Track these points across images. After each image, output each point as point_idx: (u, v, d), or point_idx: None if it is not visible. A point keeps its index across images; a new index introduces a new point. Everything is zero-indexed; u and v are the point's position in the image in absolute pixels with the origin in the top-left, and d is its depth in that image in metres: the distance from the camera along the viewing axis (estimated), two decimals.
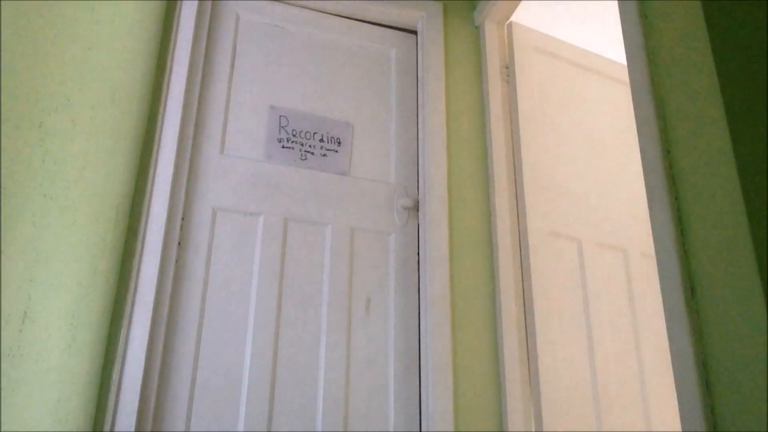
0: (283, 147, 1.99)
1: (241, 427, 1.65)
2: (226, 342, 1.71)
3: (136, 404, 1.51)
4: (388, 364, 1.87)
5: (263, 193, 1.90)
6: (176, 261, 1.73)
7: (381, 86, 2.22)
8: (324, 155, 2.03)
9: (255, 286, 1.79)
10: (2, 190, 0.87)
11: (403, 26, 2.32)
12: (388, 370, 1.86)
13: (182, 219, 1.78)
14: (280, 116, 2.02)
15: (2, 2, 0.84)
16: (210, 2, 2.05)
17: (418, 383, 1.86)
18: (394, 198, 2.06)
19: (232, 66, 2.02)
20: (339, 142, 2.07)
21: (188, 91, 1.89)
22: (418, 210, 2.06)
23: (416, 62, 2.29)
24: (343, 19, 2.25)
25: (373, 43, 2.26)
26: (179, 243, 1.75)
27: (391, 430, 1.81)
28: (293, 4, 2.19)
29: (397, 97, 2.22)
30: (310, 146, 2.03)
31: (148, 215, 1.69)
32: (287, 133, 2.01)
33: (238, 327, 1.74)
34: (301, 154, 2.01)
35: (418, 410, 1.83)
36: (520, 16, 2.86)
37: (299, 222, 1.92)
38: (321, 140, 2.05)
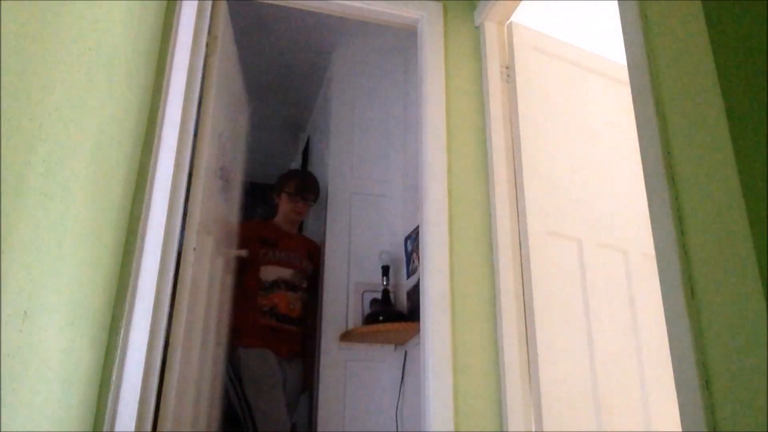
0: None
1: None
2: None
3: (136, 404, 1.51)
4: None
5: None
6: None
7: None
8: None
9: None
10: (2, 190, 0.87)
11: (403, 26, 2.32)
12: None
13: None
14: None
15: (2, 2, 0.84)
16: (210, 2, 2.05)
17: (418, 383, 1.86)
18: None
19: None
20: None
21: (188, 91, 1.88)
22: (417, 209, 2.06)
23: (416, 62, 2.29)
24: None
25: None
26: None
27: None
28: (293, 5, 2.18)
29: None
30: None
31: (148, 215, 1.68)
32: None
33: None
34: None
35: (418, 410, 1.83)
36: (520, 16, 2.85)
37: None
38: None
